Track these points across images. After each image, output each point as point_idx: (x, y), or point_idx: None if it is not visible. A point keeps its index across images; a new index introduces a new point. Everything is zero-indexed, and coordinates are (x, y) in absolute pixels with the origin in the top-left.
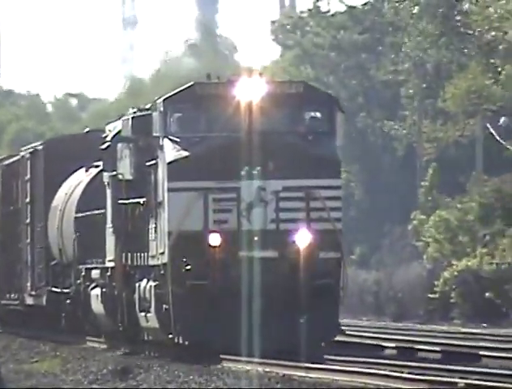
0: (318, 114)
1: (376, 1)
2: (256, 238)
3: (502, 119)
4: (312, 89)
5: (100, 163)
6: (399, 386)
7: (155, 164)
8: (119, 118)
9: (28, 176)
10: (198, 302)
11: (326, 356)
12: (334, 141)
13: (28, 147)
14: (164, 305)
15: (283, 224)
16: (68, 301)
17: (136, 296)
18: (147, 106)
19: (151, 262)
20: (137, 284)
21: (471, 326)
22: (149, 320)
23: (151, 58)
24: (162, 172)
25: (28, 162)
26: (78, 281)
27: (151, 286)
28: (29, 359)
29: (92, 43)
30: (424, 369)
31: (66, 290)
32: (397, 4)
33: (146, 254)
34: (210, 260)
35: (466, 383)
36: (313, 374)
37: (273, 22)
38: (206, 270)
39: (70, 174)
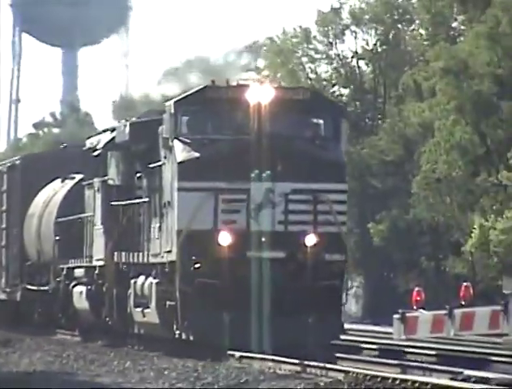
0: (324, 120)
1: None
2: (264, 239)
3: None
4: (318, 96)
5: (76, 175)
6: None
7: (161, 165)
8: (99, 133)
9: (5, 187)
10: (206, 300)
11: None
12: (339, 146)
13: (5, 162)
14: (168, 302)
15: (291, 225)
16: (43, 298)
17: (131, 292)
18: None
19: (153, 259)
20: (132, 281)
21: None
22: (146, 315)
23: (30, 126)
24: (171, 172)
25: (5, 175)
26: (58, 279)
27: (151, 283)
28: None
29: None
30: None
31: (42, 288)
32: None
33: (145, 252)
34: (219, 259)
35: None
36: None
37: (113, 102)
38: (215, 269)
39: (46, 185)
